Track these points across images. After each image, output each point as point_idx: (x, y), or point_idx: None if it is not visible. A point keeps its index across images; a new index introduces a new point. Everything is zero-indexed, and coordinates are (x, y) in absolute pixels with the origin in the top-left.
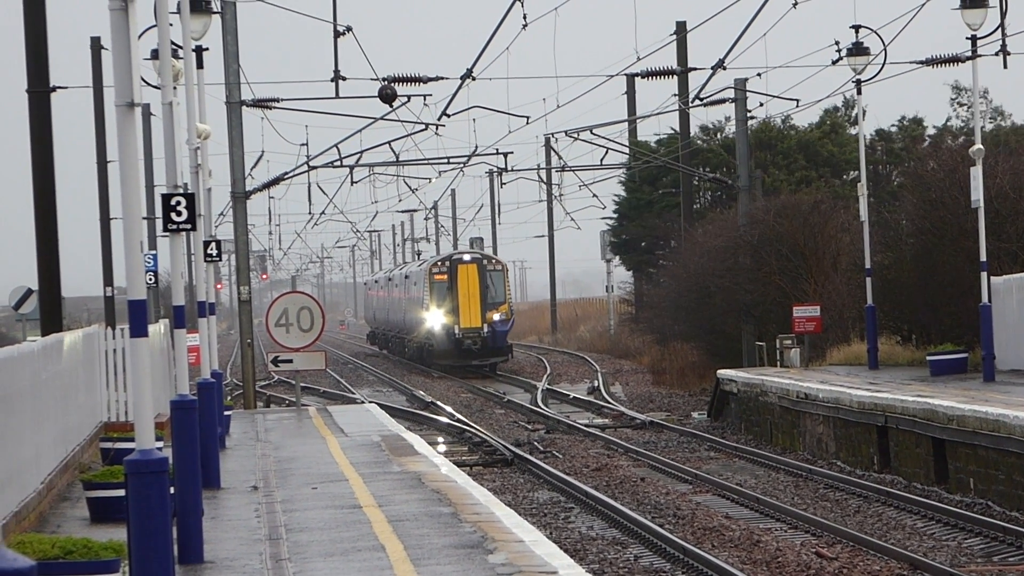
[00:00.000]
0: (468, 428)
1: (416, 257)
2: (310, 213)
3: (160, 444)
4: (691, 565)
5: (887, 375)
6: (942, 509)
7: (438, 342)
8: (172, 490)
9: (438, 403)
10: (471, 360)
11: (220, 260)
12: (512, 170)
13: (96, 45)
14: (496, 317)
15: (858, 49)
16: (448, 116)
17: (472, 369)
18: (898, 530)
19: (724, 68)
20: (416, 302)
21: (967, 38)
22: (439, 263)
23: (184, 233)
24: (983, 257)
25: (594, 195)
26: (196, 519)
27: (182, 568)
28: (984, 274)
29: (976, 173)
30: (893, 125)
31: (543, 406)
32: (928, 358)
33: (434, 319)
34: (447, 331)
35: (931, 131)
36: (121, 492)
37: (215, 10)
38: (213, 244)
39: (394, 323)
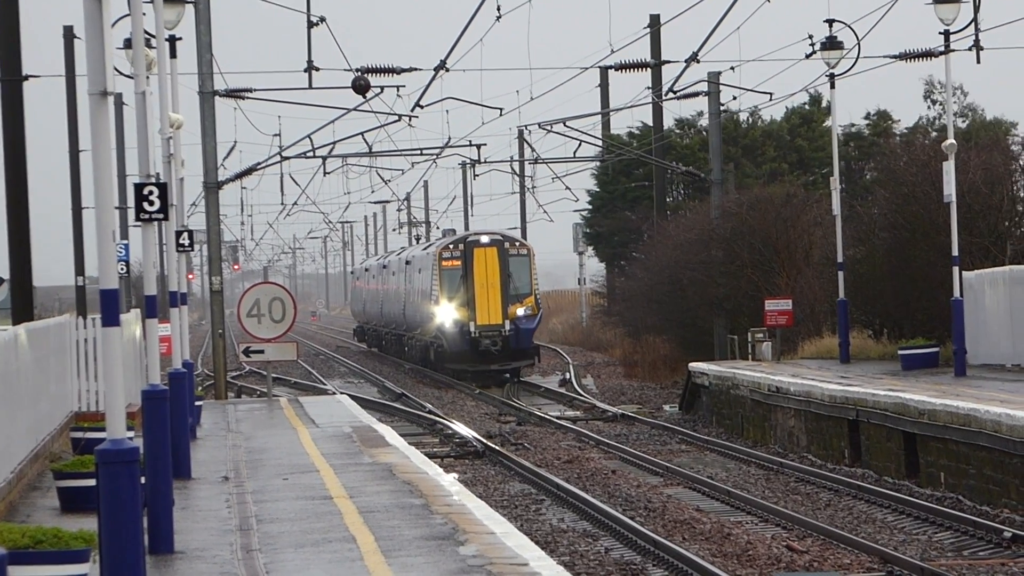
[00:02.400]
0: (440, 420)
1: (416, 242)
2: (282, 204)
3: (131, 434)
4: (662, 558)
5: (859, 369)
6: (913, 503)
7: (449, 342)
8: (143, 480)
9: (409, 395)
10: (490, 364)
11: (192, 250)
12: (485, 162)
13: (69, 34)
14: (520, 312)
15: (831, 43)
16: (421, 107)
17: (491, 376)
18: (869, 524)
19: (698, 61)
20: (420, 293)
21: (940, 33)
22: (450, 247)
23: (156, 223)
24: (955, 252)
25: (567, 187)
26: (167, 509)
27: (152, 558)
28: (956, 269)
29: (948, 168)
30: (864, 118)
31: (515, 398)
32: (900, 352)
33: (444, 314)
34: (460, 329)
35: (902, 127)
36: (92, 482)
37: (188, 0)
38: (185, 234)
39: (390, 318)
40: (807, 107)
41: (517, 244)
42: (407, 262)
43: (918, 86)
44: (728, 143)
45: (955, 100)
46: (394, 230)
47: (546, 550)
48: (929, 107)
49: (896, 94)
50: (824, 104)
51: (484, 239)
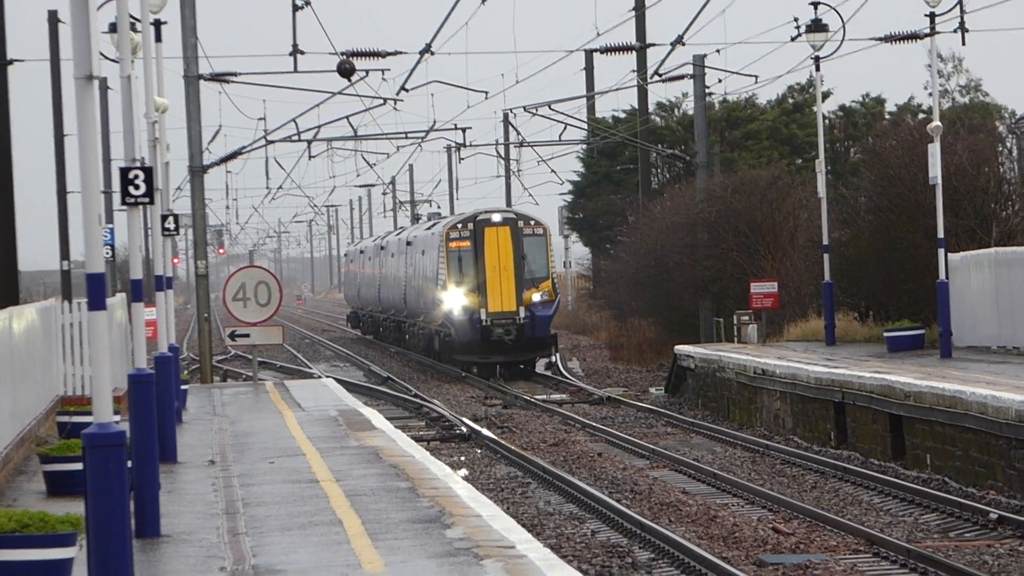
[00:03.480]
0: (426, 403)
1: (415, 222)
2: (267, 188)
3: (117, 418)
4: (648, 540)
5: (844, 351)
6: (899, 485)
7: (458, 331)
8: (129, 464)
9: (394, 378)
10: (503, 356)
11: (177, 234)
12: (470, 145)
13: (53, 18)
14: (536, 298)
15: (817, 26)
16: (406, 91)
17: (504, 368)
18: (855, 506)
19: (683, 44)
20: (424, 277)
21: (925, 15)
22: (458, 226)
23: (141, 207)
24: (940, 234)
25: (552, 171)
26: (153, 493)
27: (139, 542)
28: (941, 251)
29: (934, 150)
30: (855, 101)
31: (500, 382)
32: (885, 334)
33: (451, 301)
34: (470, 317)
35: (892, 109)
36: (78, 466)
37: None
38: (170, 218)
39: (389, 303)
40: (801, 89)
41: (532, 223)
42: (408, 243)
43: (910, 69)
44: (730, 127)
45: (956, 73)
46: (380, 214)
47: (532, 533)
48: (928, 85)
49: (888, 77)
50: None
51: (496, 217)
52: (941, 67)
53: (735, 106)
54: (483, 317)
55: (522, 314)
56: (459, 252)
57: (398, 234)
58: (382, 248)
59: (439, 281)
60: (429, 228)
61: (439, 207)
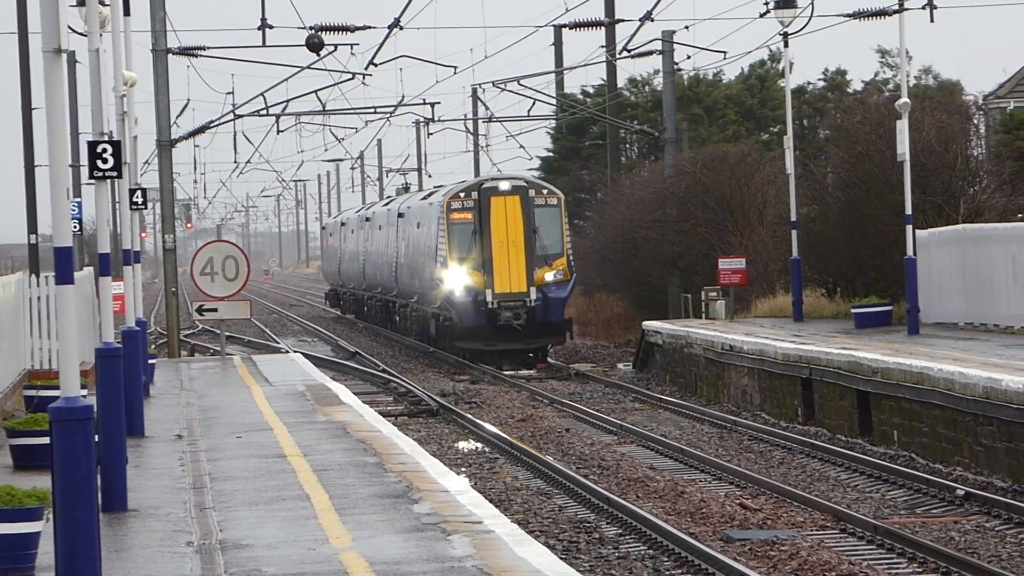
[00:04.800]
0: (394, 378)
1: (406, 191)
2: (236, 162)
3: (84, 392)
4: (616, 516)
5: (812, 327)
6: (866, 461)
7: (460, 315)
8: (96, 438)
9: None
10: (512, 343)
11: (145, 208)
12: (439, 120)
13: None
14: (549, 277)
15: (785, 2)
16: (375, 65)
17: (513, 358)
18: (822, 482)
19: (652, 20)
20: (420, 253)
21: None
22: (460, 195)
23: (109, 181)
24: (908, 210)
25: (521, 146)
26: (120, 467)
27: (106, 516)
28: (909, 227)
29: (902, 127)
30: (819, 79)
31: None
32: (853, 311)
33: (453, 280)
34: (474, 299)
35: (856, 84)
36: (45, 440)
37: None
38: (138, 192)
39: (375, 281)
40: (765, 64)
41: (545, 192)
42: (400, 214)
43: (870, 50)
44: (692, 102)
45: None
46: (348, 188)
47: (500, 508)
48: (881, 71)
49: (849, 57)
50: (783, 65)
51: (504, 185)
52: (891, 57)
53: (693, 81)
54: (489, 299)
55: (533, 295)
56: (461, 225)
57: (386, 204)
58: (367, 220)
59: (438, 258)
60: (426, 198)
61: (409, 183)
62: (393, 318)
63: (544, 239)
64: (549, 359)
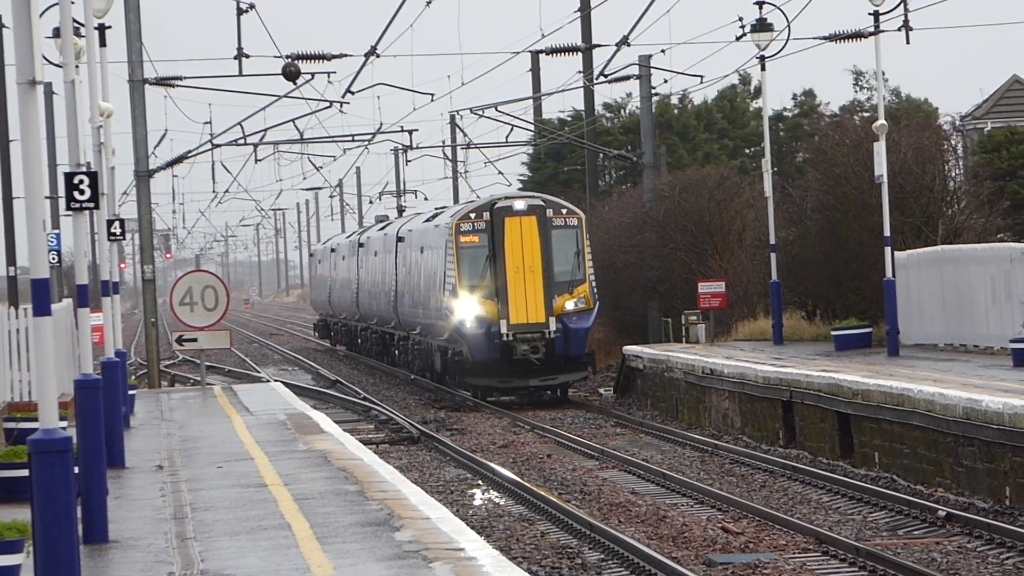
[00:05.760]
0: (375, 406)
1: (400, 214)
2: (214, 192)
3: (64, 423)
4: (598, 541)
5: (792, 350)
6: (847, 483)
7: (472, 348)
8: (76, 470)
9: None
10: (529, 380)
11: (124, 239)
12: (417, 147)
13: None
14: (570, 306)
15: (762, 25)
16: (352, 93)
17: (529, 395)
18: (804, 504)
19: (628, 45)
20: (425, 280)
21: (869, 14)
22: (471, 216)
23: (87, 212)
24: (887, 232)
25: (499, 172)
26: (101, 498)
27: (87, 548)
28: (888, 249)
29: (879, 148)
30: (791, 101)
31: (449, 384)
32: (833, 333)
33: (463, 310)
34: (487, 330)
35: (830, 109)
36: (24, 472)
37: None
38: (116, 223)
39: (371, 311)
40: (737, 87)
41: (564, 211)
42: (399, 238)
43: (845, 73)
44: (662, 128)
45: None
46: (327, 217)
47: (482, 535)
48: (857, 91)
49: (823, 81)
50: (753, 85)
51: (518, 204)
52: (866, 80)
53: (665, 107)
54: (503, 330)
55: (552, 326)
56: (472, 249)
57: (382, 228)
58: (361, 245)
59: (447, 286)
60: (431, 219)
61: (387, 215)
62: (391, 351)
63: (564, 264)
64: (570, 393)
